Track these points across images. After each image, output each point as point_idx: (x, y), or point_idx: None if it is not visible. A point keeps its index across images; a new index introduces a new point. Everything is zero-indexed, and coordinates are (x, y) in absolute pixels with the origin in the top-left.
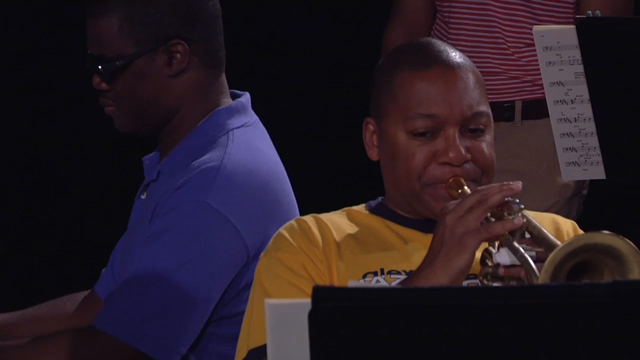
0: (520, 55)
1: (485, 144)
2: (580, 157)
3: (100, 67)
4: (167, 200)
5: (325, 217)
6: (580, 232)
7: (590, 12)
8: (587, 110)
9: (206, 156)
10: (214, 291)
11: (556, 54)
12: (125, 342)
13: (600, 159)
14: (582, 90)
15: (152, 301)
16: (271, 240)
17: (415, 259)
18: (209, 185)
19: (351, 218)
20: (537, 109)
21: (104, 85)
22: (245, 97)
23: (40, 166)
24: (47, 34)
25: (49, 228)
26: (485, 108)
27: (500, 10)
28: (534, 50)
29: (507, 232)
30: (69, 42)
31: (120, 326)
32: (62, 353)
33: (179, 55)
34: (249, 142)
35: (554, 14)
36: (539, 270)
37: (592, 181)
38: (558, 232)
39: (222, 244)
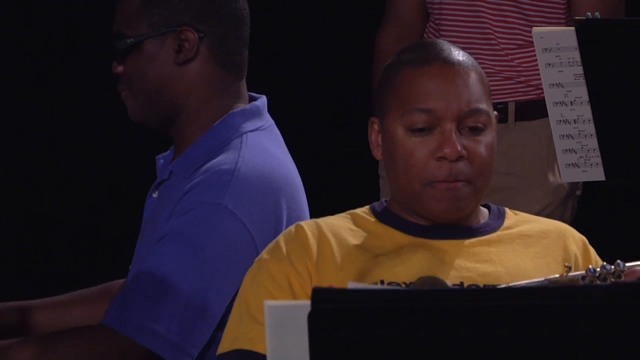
0: (513, 56)
1: (483, 145)
2: (579, 158)
3: (114, 43)
4: (181, 202)
5: (327, 223)
6: (591, 249)
7: (589, 13)
8: (586, 111)
9: (219, 158)
10: (226, 294)
11: (555, 55)
12: (138, 342)
13: (599, 160)
14: (581, 91)
15: (166, 303)
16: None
17: (417, 270)
18: (224, 188)
19: (355, 223)
20: (530, 110)
21: (119, 68)
22: (261, 101)
23: (52, 165)
24: (64, 31)
25: (61, 228)
26: (485, 106)
27: (490, 11)
28: (527, 51)
29: None
30: (83, 38)
31: (135, 326)
32: (74, 352)
33: (187, 44)
34: (262, 146)
35: (545, 14)
36: None
37: (586, 182)
38: (566, 252)
39: (237, 246)
